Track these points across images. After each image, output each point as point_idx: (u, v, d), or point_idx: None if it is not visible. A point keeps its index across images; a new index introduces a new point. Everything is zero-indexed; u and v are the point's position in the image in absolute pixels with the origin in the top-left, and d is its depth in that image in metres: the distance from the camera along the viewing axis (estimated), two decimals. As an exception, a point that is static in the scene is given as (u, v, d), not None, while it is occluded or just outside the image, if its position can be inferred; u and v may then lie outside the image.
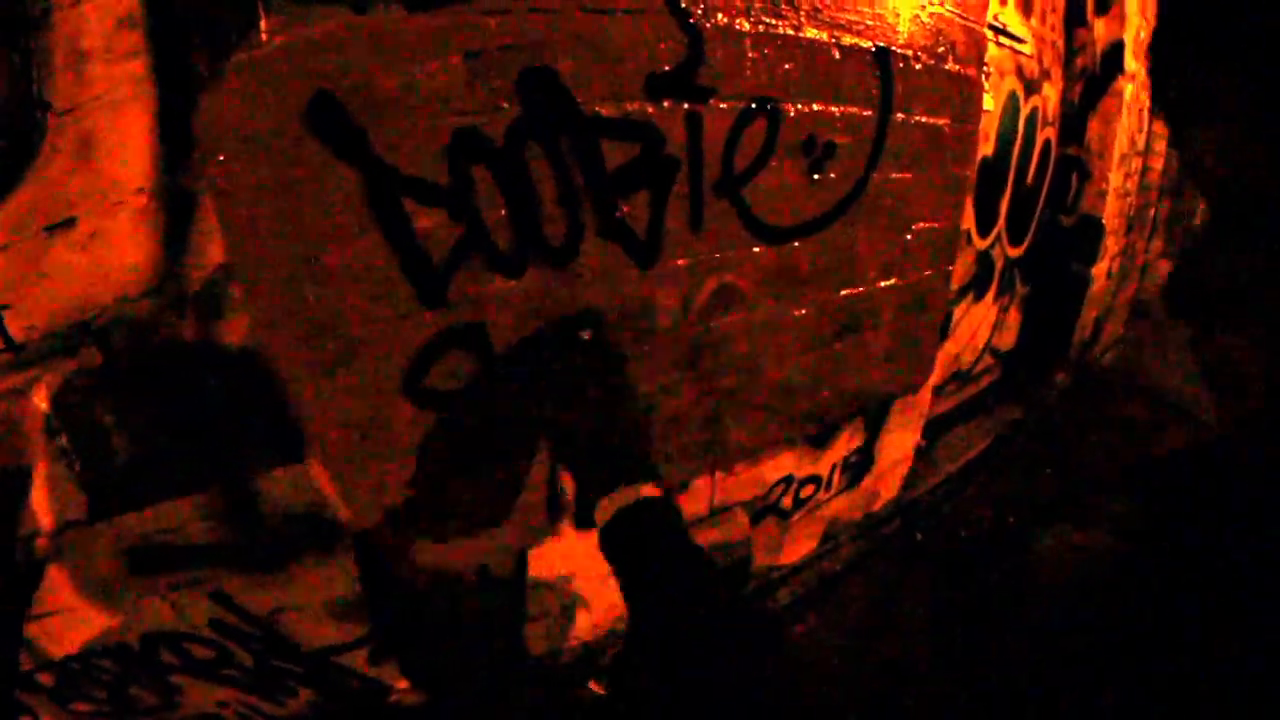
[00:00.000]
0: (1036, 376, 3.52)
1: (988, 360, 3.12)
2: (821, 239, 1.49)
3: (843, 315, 1.66)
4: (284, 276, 0.95)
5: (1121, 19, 3.05)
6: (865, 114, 1.44)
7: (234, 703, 1.36)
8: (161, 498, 1.07)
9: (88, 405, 0.98)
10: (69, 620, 1.13)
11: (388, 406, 1.09)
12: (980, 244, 2.53)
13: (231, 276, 0.95)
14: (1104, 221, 3.33)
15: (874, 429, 2.11)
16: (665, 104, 1.14)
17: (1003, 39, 2.23)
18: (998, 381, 3.32)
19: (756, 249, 1.39)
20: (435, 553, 1.27)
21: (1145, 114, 3.58)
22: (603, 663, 1.76)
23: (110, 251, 0.91)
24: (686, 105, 1.17)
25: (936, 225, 1.81)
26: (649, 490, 0.78)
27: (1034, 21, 2.52)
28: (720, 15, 1.15)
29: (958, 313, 2.54)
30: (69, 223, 0.88)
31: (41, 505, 1.02)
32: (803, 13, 1.26)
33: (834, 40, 1.32)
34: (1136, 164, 3.70)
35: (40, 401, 0.96)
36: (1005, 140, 2.44)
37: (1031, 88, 2.58)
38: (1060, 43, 2.89)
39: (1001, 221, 2.66)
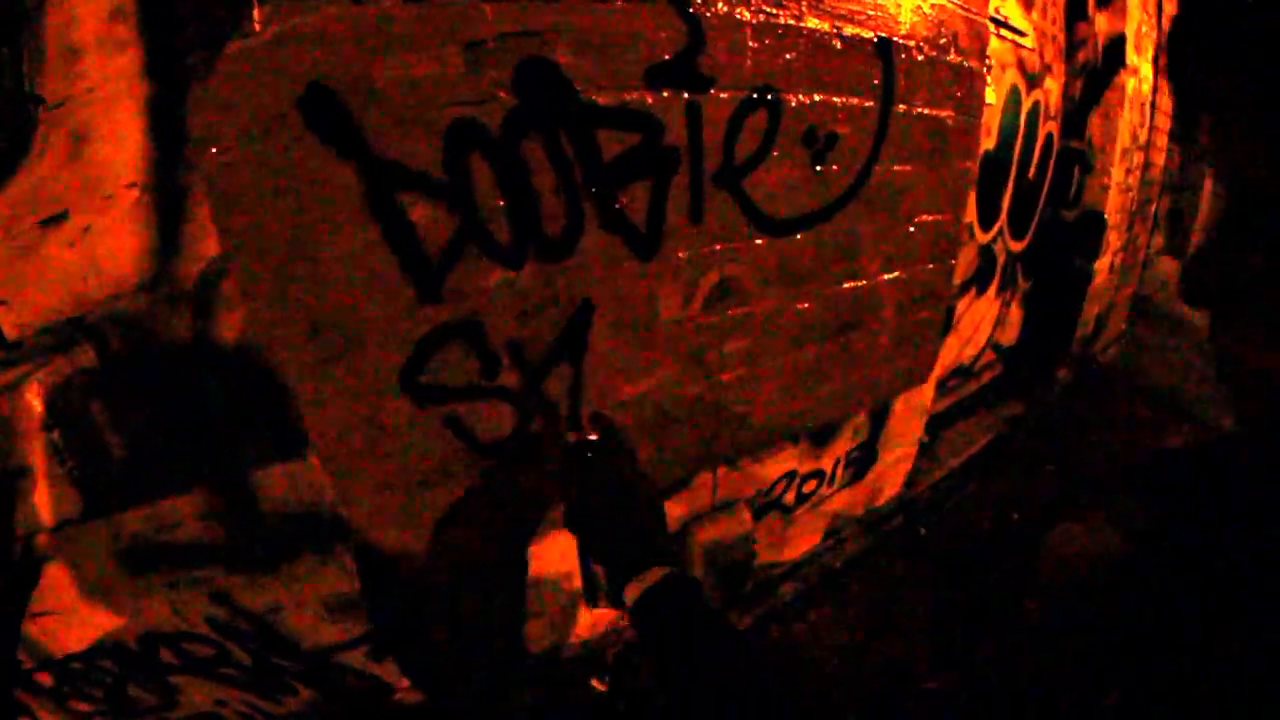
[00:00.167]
0: (1039, 372, 3.51)
1: (990, 355, 3.11)
2: (823, 231, 1.48)
3: (845, 308, 1.65)
4: (279, 271, 0.93)
5: (1123, 13, 3.04)
6: (867, 105, 1.43)
7: (233, 701, 1.36)
8: (158, 495, 1.06)
9: (82, 402, 0.97)
10: (67, 619, 1.12)
11: (385, 402, 1.08)
12: (982, 238, 2.53)
13: (226, 271, 0.94)
14: (1106, 216, 3.32)
15: (877, 424, 2.10)
16: (665, 94, 1.13)
17: (1004, 32, 2.22)
18: (1000, 377, 3.31)
19: (758, 241, 1.38)
20: (435, 550, 1.26)
21: (1147, 108, 3.57)
22: (604, 661, 1.76)
23: (103, 247, 0.90)
24: (687, 95, 1.16)
25: (939, 218, 1.80)
26: (670, 570, 0.82)
27: (1035, 15, 2.51)
28: (720, 4, 1.14)
29: (960, 307, 2.54)
30: (61, 218, 0.87)
31: (37, 503, 1.01)
32: (804, 2, 1.25)
33: (835, 30, 1.31)
34: (1138, 158, 3.70)
35: (34, 399, 0.95)
36: (1007, 134, 2.43)
37: (1033, 81, 2.57)
38: (1062, 37, 2.88)
39: (1004, 216, 2.65)
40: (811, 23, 1.27)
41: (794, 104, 1.29)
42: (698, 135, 1.19)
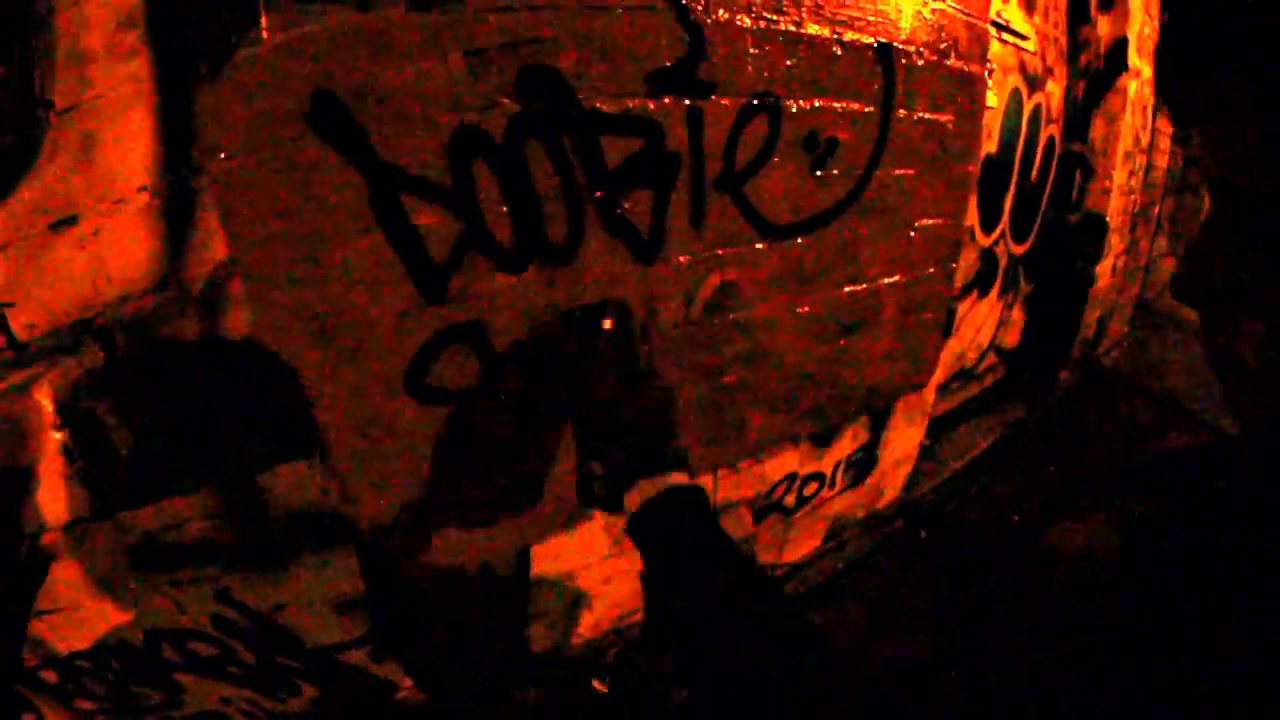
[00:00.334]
0: (1041, 375, 3.51)
1: (991, 358, 3.11)
2: (824, 235, 1.49)
3: (845, 312, 1.65)
4: (286, 274, 0.95)
5: (1125, 16, 3.04)
6: (868, 110, 1.44)
7: (237, 700, 1.37)
8: (165, 495, 1.07)
9: (91, 403, 0.98)
10: (73, 617, 1.13)
11: (391, 403, 1.09)
12: (984, 241, 2.53)
13: (233, 274, 0.95)
14: (1108, 219, 3.31)
15: (878, 427, 2.10)
16: (666, 100, 1.14)
17: (1006, 35, 2.22)
18: (1002, 380, 3.31)
19: (759, 246, 1.38)
20: (438, 550, 1.27)
21: (1149, 111, 3.57)
22: (606, 661, 1.76)
23: (112, 249, 0.91)
24: (688, 101, 1.16)
25: (940, 222, 1.80)
26: (679, 478, 0.76)
27: (1037, 18, 2.51)
28: (721, 11, 1.15)
29: (961, 310, 2.54)
30: (71, 221, 0.89)
31: (45, 502, 1.02)
32: (804, 9, 1.25)
33: (836, 36, 1.32)
34: (1141, 161, 3.69)
35: (44, 399, 0.96)
36: (1009, 137, 2.43)
37: (1035, 85, 2.57)
38: (1063, 39, 2.88)
39: (1005, 219, 2.65)
40: (812, 29, 1.27)
41: (794, 109, 1.30)
42: (699, 141, 1.20)
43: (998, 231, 2.63)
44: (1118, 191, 3.34)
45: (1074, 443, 3.25)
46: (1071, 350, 3.65)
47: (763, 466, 1.76)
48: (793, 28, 1.25)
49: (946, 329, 2.16)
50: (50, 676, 1.21)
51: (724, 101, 1.20)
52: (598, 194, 1.13)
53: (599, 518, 1.49)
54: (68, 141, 0.86)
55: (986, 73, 1.79)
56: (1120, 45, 3.07)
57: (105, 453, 1.01)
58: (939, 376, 2.25)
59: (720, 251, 1.33)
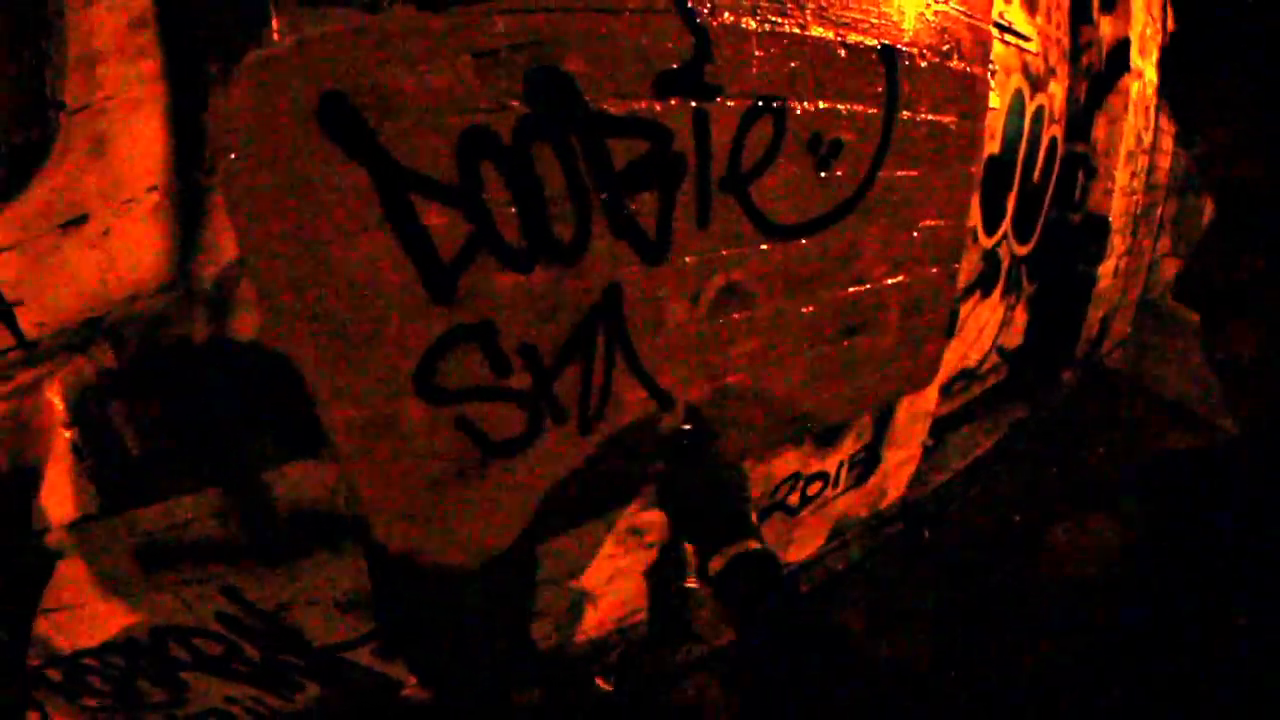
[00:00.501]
0: (1043, 376, 3.51)
1: (994, 359, 3.11)
2: (828, 236, 1.49)
3: (849, 312, 1.66)
4: (295, 274, 0.95)
5: (1127, 16, 3.05)
6: (871, 112, 1.44)
7: (242, 698, 1.37)
8: (172, 493, 1.08)
9: (100, 401, 0.99)
10: (80, 615, 1.14)
11: (398, 402, 1.09)
12: (986, 242, 2.53)
13: (243, 274, 0.96)
14: (1110, 220, 3.32)
15: (881, 427, 2.11)
16: (673, 102, 1.15)
17: (1008, 37, 2.22)
18: (1004, 380, 3.31)
19: (763, 246, 1.39)
20: (443, 549, 1.27)
21: (1152, 112, 3.57)
22: (609, 659, 1.77)
23: (122, 249, 0.92)
24: (694, 103, 1.17)
25: (943, 223, 1.80)
26: (753, 544, 0.90)
27: (1039, 19, 2.51)
28: (726, 14, 1.15)
29: (964, 311, 2.54)
30: (82, 220, 0.89)
31: (54, 500, 1.03)
32: (808, 11, 1.26)
33: (839, 38, 1.32)
34: (1143, 162, 3.69)
35: (53, 397, 0.97)
36: (1011, 138, 2.44)
37: (1037, 85, 2.57)
38: (1066, 40, 2.88)
39: (1008, 219, 2.66)
40: (816, 31, 1.28)
41: (799, 111, 1.31)
42: (705, 142, 1.21)
43: (1000, 232, 2.63)
44: (1120, 192, 3.34)
45: (1075, 443, 3.26)
46: (1074, 351, 3.65)
47: (767, 466, 1.76)
48: (797, 30, 1.25)
49: (949, 329, 2.16)
50: (56, 675, 1.21)
51: (729, 103, 1.21)
52: (605, 195, 1.13)
53: (603, 518, 1.49)
54: (78, 142, 0.87)
55: (989, 74, 1.79)
56: (1123, 46, 3.07)
57: (114, 451, 1.02)
58: (941, 377, 2.25)
59: (725, 252, 1.34)
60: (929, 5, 1.49)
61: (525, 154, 1.04)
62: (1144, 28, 3.18)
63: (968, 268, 2.38)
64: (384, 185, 0.96)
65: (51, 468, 1.01)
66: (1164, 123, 3.80)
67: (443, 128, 0.97)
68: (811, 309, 1.56)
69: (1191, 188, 5.07)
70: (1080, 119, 3.13)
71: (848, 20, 1.33)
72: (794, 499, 1.95)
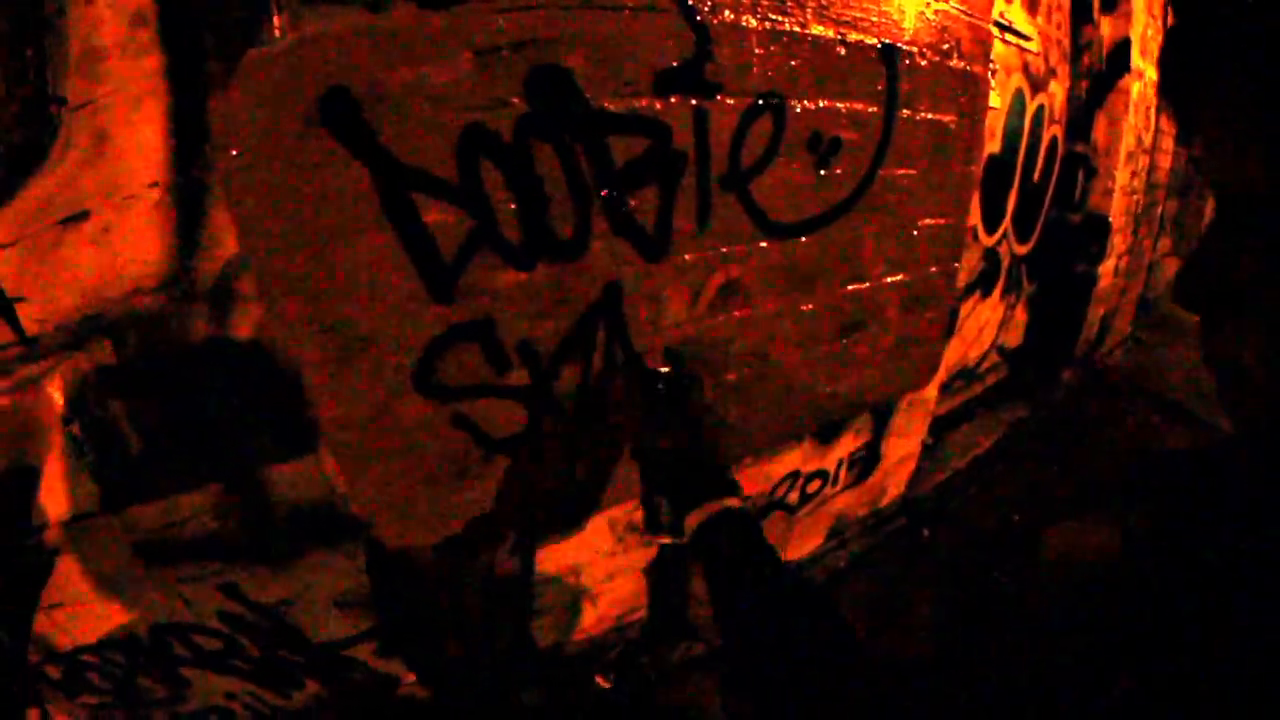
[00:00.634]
0: (1043, 375, 3.51)
1: (994, 358, 3.11)
2: (827, 235, 1.49)
3: (849, 311, 1.66)
4: (296, 271, 0.95)
5: (1128, 16, 3.05)
6: (871, 110, 1.44)
7: (242, 694, 1.38)
8: (172, 490, 1.08)
9: (100, 398, 0.99)
10: (79, 612, 1.14)
11: (398, 400, 1.09)
12: (987, 241, 2.53)
13: (244, 271, 0.96)
14: (1111, 219, 3.32)
15: (880, 425, 2.11)
16: (673, 100, 1.15)
17: (1009, 36, 2.22)
18: (1004, 379, 3.31)
19: (763, 244, 1.39)
20: (442, 546, 1.27)
21: (1152, 112, 3.57)
22: (609, 657, 1.77)
23: (123, 245, 0.92)
24: (694, 101, 1.17)
25: (943, 222, 1.80)
26: (732, 502, 0.86)
27: (1040, 19, 2.52)
28: (727, 12, 1.15)
29: (964, 310, 2.54)
30: (82, 217, 0.89)
31: (53, 496, 1.03)
32: (809, 10, 1.26)
33: (840, 37, 1.32)
34: (1144, 162, 3.70)
35: (53, 393, 0.97)
36: (1012, 137, 2.44)
37: (1038, 85, 2.57)
38: (1066, 40, 2.89)
39: (1008, 219, 2.66)
40: (816, 30, 1.28)
41: (799, 109, 1.31)
42: (704, 140, 1.21)
43: (1000, 231, 2.63)
44: (1120, 192, 3.35)
45: (1075, 442, 3.26)
46: (1074, 350, 3.66)
47: (766, 464, 1.76)
48: (797, 28, 1.25)
49: (949, 328, 2.16)
50: (56, 672, 1.21)
51: (729, 101, 1.21)
52: (605, 192, 1.14)
53: (602, 515, 1.49)
54: (79, 138, 0.87)
55: (989, 73, 1.79)
56: (1123, 46, 3.07)
57: (114, 448, 1.02)
58: (941, 375, 2.25)
59: (725, 250, 1.34)
60: (929, 4, 1.49)
61: (526, 151, 1.04)
62: (1145, 28, 3.18)
63: (968, 267, 2.39)
64: (384, 183, 0.96)
65: (51, 464, 1.01)
66: (1164, 123, 3.81)
67: (443, 125, 0.97)
68: (811, 307, 1.56)
69: (1192, 188, 5.07)
70: (1081, 119, 3.14)
71: (848, 19, 1.33)
72: (794, 497, 1.95)
